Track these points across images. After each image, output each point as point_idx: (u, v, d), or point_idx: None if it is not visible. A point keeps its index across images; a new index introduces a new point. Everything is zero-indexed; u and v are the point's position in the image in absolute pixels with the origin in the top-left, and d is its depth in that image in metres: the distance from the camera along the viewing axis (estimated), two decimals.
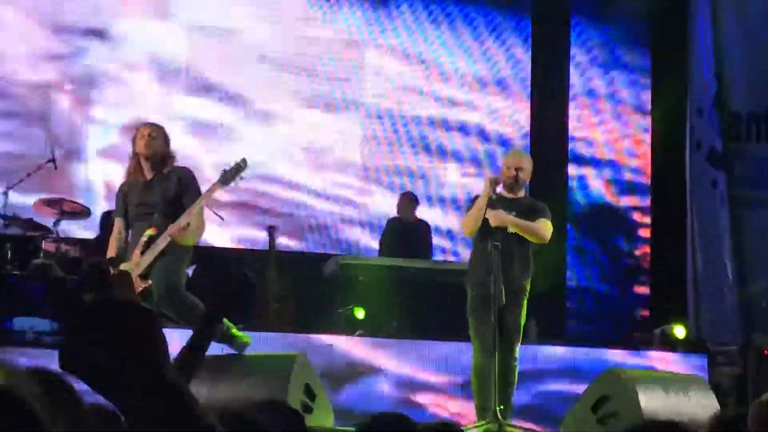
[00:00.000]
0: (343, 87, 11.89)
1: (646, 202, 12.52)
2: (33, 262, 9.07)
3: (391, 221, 10.90)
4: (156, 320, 2.43)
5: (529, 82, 12.29)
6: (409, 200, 10.90)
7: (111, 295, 6.26)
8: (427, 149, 12.07)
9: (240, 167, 6.68)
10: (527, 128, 12.24)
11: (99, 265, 6.70)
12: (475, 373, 7.00)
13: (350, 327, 9.88)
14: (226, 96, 11.59)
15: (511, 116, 12.28)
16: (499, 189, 7.21)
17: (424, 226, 10.90)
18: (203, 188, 6.80)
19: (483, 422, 6.78)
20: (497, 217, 6.98)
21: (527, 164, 7.24)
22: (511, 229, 7.03)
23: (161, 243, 6.51)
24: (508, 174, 7.16)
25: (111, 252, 6.75)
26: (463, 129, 12.18)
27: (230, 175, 6.67)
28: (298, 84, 11.73)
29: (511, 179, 7.13)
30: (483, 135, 12.25)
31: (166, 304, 6.48)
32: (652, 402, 6.64)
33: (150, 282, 6.48)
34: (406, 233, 10.65)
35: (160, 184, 6.75)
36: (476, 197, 7.23)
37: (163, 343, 2.39)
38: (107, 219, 9.44)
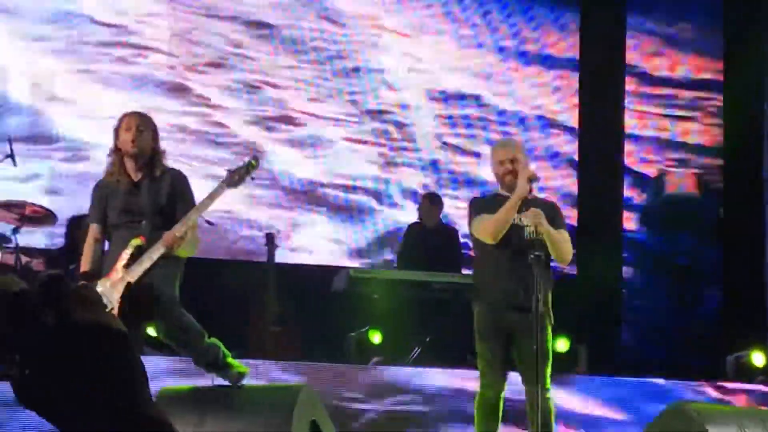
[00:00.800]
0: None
1: (716, 197, 12.48)
2: None
3: (412, 228, 10.86)
4: (130, 344, 2.38)
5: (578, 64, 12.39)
6: (432, 202, 10.85)
7: (75, 316, 6.22)
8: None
9: (251, 167, 6.69)
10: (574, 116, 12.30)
11: (59, 278, 6.68)
12: (481, 407, 6.96)
13: (364, 353, 9.86)
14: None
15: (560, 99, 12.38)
16: (499, 188, 7.12)
17: (450, 232, 10.85)
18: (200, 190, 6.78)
19: None
20: (536, 216, 6.89)
21: (521, 155, 7.14)
22: (531, 234, 6.91)
23: (154, 254, 6.48)
24: (502, 170, 7.06)
25: (85, 265, 6.70)
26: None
27: (239, 176, 6.67)
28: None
29: (508, 175, 7.04)
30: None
31: (163, 320, 6.46)
32: None
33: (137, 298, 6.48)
34: (428, 241, 10.62)
35: (150, 188, 6.70)
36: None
37: (137, 370, 2.34)
38: (77, 225, 9.42)
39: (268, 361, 8.95)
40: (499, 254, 6.93)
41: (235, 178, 6.68)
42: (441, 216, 10.87)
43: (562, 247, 6.98)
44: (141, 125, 6.74)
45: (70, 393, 2.23)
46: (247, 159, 6.78)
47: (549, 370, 6.86)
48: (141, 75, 11.60)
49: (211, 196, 6.66)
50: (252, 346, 9.81)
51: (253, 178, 6.76)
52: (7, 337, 2.84)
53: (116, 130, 6.79)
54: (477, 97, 12.34)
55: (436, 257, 10.50)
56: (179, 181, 6.77)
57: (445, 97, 12.27)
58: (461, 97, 12.30)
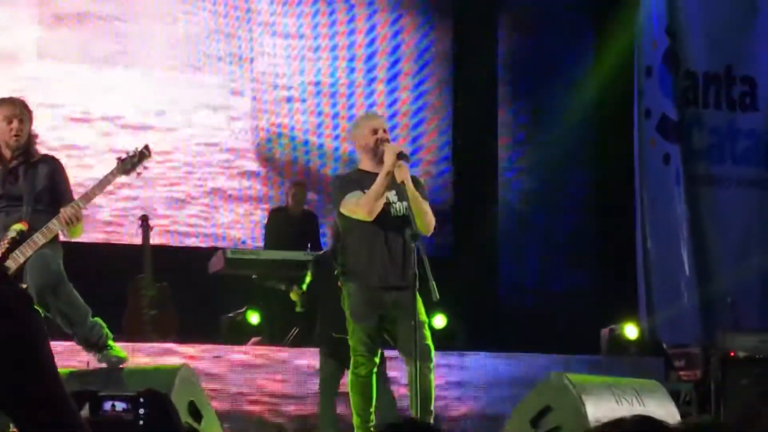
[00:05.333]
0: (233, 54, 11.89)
1: (586, 181, 12.62)
2: None
3: (274, 213, 10.88)
4: (42, 328, 2.35)
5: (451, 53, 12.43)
6: (299, 189, 10.89)
7: None
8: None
9: (143, 155, 6.67)
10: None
11: None
12: (355, 386, 6.90)
13: (242, 334, 9.82)
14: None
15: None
16: (361, 164, 7.02)
17: (311, 216, 10.93)
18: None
19: None
20: (404, 171, 6.78)
21: (387, 126, 7.09)
22: (397, 211, 6.84)
23: (42, 237, 6.43)
24: (374, 140, 6.92)
25: None
26: None
27: (131, 163, 6.65)
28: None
29: (383, 144, 6.89)
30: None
31: (52, 298, 6.39)
32: (600, 412, 6.68)
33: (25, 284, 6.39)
34: (292, 226, 10.66)
35: (27, 173, 6.67)
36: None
37: (50, 354, 2.32)
38: None
39: (144, 344, 8.88)
40: (369, 233, 6.84)
41: (127, 166, 6.66)
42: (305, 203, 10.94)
43: (425, 213, 6.86)
44: (21, 115, 6.68)
45: None
46: (139, 147, 6.75)
47: (432, 346, 6.87)
48: None
49: (102, 184, 6.63)
50: (129, 329, 9.71)
51: (146, 167, 6.75)
52: None
53: None
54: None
55: (300, 241, 10.55)
56: (56, 168, 6.77)
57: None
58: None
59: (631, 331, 10.73)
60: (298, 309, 9.51)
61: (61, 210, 6.49)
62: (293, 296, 9.59)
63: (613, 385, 7.15)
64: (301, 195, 10.89)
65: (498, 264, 12.34)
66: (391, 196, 6.84)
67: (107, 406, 5.95)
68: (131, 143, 7.12)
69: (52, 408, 2.24)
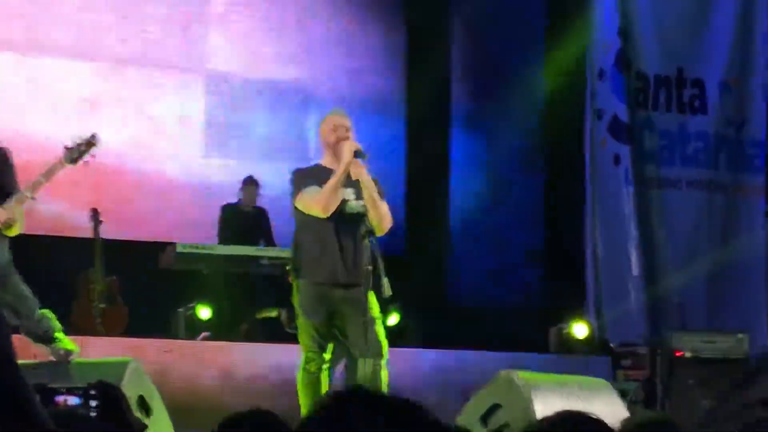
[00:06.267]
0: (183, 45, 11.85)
1: (538, 180, 12.67)
2: None
3: (226, 209, 10.85)
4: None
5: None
6: (252, 186, 10.86)
7: None
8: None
9: (91, 143, 6.62)
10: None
11: None
12: (305, 383, 6.88)
13: (192, 329, 9.79)
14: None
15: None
16: (322, 160, 7.02)
17: (262, 211, 10.93)
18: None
19: None
20: (359, 168, 6.76)
21: (351, 124, 7.07)
22: (353, 208, 6.83)
23: None
24: (335, 137, 6.91)
25: None
26: None
27: (78, 151, 6.59)
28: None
29: (342, 142, 6.87)
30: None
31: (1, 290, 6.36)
32: (549, 410, 6.68)
33: None
34: (244, 221, 10.66)
35: None
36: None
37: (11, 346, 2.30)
38: None
39: (95, 338, 8.86)
40: (322, 228, 6.83)
41: (74, 155, 6.61)
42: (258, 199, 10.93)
43: (382, 212, 6.86)
44: None
45: None
46: (86, 136, 6.69)
47: (384, 342, 6.87)
48: None
49: (48, 173, 6.57)
50: (78, 322, 9.67)
51: (93, 156, 6.70)
52: None
53: None
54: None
55: (253, 236, 10.56)
56: (2, 155, 6.68)
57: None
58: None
59: (579, 330, 10.79)
60: (289, 328, 9.46)
61: None
62: (283, 320, 9.61)
63: (562, 384, 7.19)
64: (253, 191, 10.86)
65: (449, 262, 12.37)
66: (348, 193, 6.85)
67: (59, 398, 5.92)
68: (79, 132, 7.04)
69: (14, 401, 2.23)
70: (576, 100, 11.68)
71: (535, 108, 12.36)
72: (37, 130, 10.96)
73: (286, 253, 10.06)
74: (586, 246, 11.55)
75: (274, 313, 10.00)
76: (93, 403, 4.70)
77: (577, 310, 11.13)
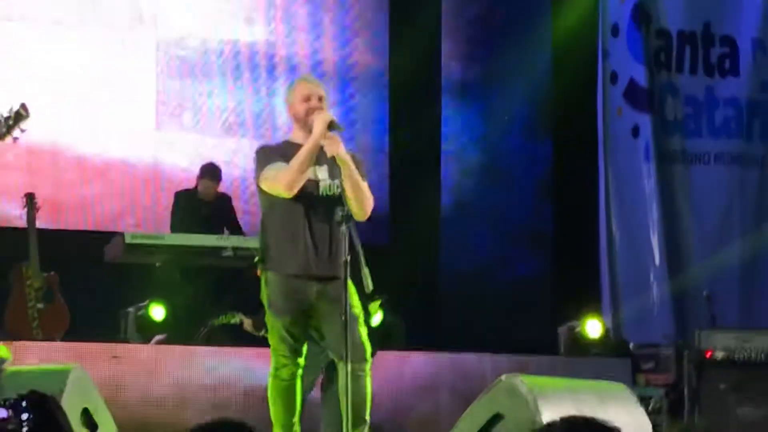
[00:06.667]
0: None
1: (543, 155, 12.70)
2: None
3: (181, 196, 10.84)
4: None
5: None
6: (210, 181, 10.84)
7: None
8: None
9: (20, 115, 6.60)
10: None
11: None
12: (276, 391, 6.89)
13: (145, 331, 9.81)
14: None
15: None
16: (291, 135, 7.00)
17: (224, 197, 10.96)
18: None
19: None
20: (334, 143, 6.75)
21: (325, 93, 7.03)
22: (327, 190, 6.83)
23: None
24: (305, 108, 6.88)
25: None
26: None
27: (6, 125, 6.59)
28: None
29: (314, 114, 6.84)
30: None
31: None
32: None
33: None
34: (202, 210, 10.66)
35: None
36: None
37: None
38: None
39: (31, 342, 8.86)
40: (292, 212, 6.79)
41: (1, 129, 6.60)
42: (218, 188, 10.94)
43: (362, 193, 6.80)
44: None
45: None
46: (14, 106, 6.68)
47: (367, 344, 6.87)
48: None
49: None
50: (11, 325, 9.68)
51: (23, 130, 6.68)
52: None
53: None
54: None
55: (213, 225, 10.57)
56: None
57: None
58: None
59: (593, 328, 10.82)
60: (259, 334, 9.46)
61: None
62: (248, 327, 9.61)
63: (573, 390, 7.21)
64: (211, 186, 10.80)
65: (440, 252, 12.39)
66: (321, 172, 6.81)
67: None
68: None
69: None
70: (587, 61, 11.71)
71: (539, 71, 12.37)
72: None
73: (252, 243, 10.10)
74: (600, 231, 11.58)
75: (235, 320, 9.98)
76: (24, 417, 4.70)
77: (591, 305, 11.16)
